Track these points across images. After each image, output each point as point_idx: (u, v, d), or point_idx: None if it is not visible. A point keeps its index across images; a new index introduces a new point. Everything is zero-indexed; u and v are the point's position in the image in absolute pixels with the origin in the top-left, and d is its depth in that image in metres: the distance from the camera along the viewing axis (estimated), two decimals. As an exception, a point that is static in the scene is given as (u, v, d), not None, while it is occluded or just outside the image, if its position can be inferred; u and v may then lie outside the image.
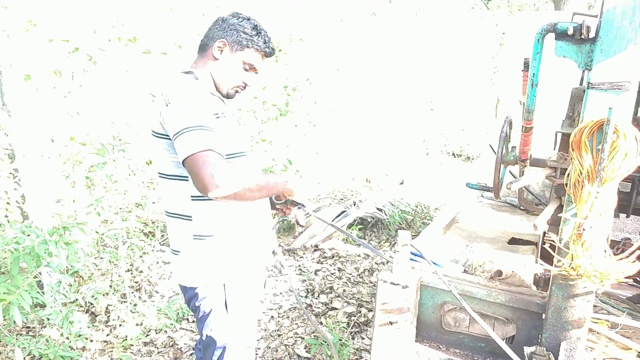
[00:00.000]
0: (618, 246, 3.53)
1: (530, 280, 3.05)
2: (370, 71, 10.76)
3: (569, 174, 2.40)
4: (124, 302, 4.44)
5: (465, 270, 3.19)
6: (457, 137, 10.63)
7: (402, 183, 8.78)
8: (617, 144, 2.21)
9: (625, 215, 3.36)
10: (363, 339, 4.48)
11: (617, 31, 2.21)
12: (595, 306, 3.55)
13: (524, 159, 2.82)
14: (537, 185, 4.92)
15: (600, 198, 2.28)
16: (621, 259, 2.34)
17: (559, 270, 2.44)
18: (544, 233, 3.32)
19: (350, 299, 5.37)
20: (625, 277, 3.99)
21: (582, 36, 2.26)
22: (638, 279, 3.87)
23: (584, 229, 2.32)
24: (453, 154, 10.36)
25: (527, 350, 2.62)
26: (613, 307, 3.54)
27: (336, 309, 5.17)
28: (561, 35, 2.33)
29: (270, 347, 4.24)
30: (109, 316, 4.34)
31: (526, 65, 3.26)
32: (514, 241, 3.79)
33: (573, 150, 2.34)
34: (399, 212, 7.77)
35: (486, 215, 4.29)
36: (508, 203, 4.48)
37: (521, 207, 4.33)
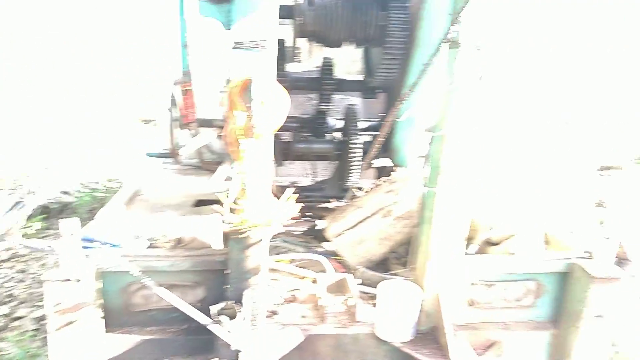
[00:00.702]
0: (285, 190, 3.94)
1: (219, 239, 3.11)
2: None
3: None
4: None
5: (150, 244, 3.04)
6: (142, 104, 10.22)
7: (88, 160, 8.00)
8: (264, 99, 2.34)
9: (289, 161, 3.74)
10: (55, 342, 3.95)
11: (248, -10, 2.29)
12: (276, 247, 3.92)
13: (188, 122, 2.79)
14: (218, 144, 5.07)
15: (256, 152, 2.40)
16: (282, 203, 2.55)
17: (231, 226, 2.52)
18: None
19: (39, 301, 4.67)
20: (301, 214, 4.54)
21: (218, -5, 2.27)
22: (310, 214, 4.42)
23: (247, 184, 2.43)
24: (145, 121, 9.95)
25: (214, 308, 2.67)
26: (292, 243, 3.97)
27: (22, 317, 4.44)
28: (201, -5, 2.30)
29: None
30: None
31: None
32: (200, 203, 3.82)
33: (228, 109, 2.39)
34: (89, 192, 7.09)
35: (172, 182, 4.20)
36: (193, 165, 4.48)
37: (205, 168, 4.39)
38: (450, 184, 2.72)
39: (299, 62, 4.44)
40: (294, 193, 3.77)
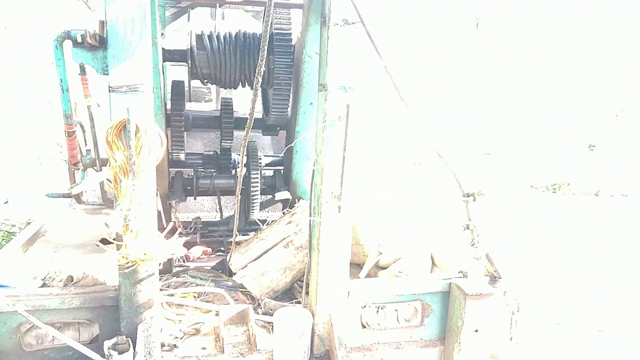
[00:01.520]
0: (191, 225, 4.04)
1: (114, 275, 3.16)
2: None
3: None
4: None
5: (44, 284, 3.06)
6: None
7: (7, 202, 7.77)
8: (141, 140, 2.48)
9: (193, 197, 3.85)
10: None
11: (123, 39, 2.46)
12: (185, 282, 3.98)
13: (75, 162, 2.87)
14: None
15: (137, 190, 2.52)
16: (166, 239, 2.66)
17: (117, 261, 2.60)
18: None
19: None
20: (213, 249, 4.62)
21: (92, 43, 2.42)
22: (222, 249, 4.53)
23: (129, 220, 2.53)
24: (65, 161, 9.78)
25: (107, 344, 2.71)
26: (201, 278, 4.04)
27: None
28: (75, 42, 2.44)
29: None
30: None
31: (83, 69, 3.31)
32: (105, 241, 3.85)
33: (107, 149, 2.51)
34: (3, 234, 6.89)
35: (78, 222, 4.21)
36: (99, 204, 4.50)
37: (109, 206, 4.43)
38: (332, 213, 2.92)
39: (209, 101, 4.62)
40: (198, 228, 3.89)
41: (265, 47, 2.16)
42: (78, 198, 3.53)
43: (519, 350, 3.38)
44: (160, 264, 2.74)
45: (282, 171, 4.15)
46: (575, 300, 6.71)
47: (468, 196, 2.97)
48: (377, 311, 3.22)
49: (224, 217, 4.34)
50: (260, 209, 3.97)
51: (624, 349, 5.54)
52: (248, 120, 2.53)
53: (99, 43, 2.43)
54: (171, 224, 2.67)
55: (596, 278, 7.51)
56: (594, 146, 14.30)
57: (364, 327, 3.22)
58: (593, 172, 13.13)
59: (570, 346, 5.54)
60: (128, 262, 2.58)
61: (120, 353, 2.72)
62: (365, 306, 3.19)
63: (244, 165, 4.14)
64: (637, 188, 12.72)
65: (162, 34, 3.92)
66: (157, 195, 2.73)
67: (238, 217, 4.01)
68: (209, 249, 4.61)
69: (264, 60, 2.23)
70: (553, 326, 5.97)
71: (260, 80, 2.29)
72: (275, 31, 3.35)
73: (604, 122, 14.86)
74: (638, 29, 14.86)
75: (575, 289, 7.09)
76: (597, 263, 8.12)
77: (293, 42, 3.49)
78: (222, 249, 4.53)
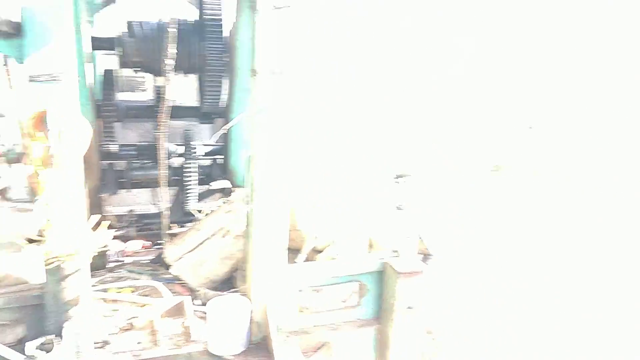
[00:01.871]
0: (124, 219, 3.94)
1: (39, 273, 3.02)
2: None
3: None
4: None
5: (-36, 285, 2.90)
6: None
7: None
8: (62, 130, 2.38)
9: (126, 190, 3.74)
10: None
11: (41, 26, 2.35)
12: (121, 277, 3.88)
13: (-7, 156, 2.74)
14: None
15: (58, 183, 2.42)
16: (92, 232, 2.58)
17: (42, 258, 2.51)
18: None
19: None
20: (153, 242, 4.52)
21: (7, 31, 2.30)
22: (160, 241, 4.43)
23: (50, 214, 2.44)
24: None
25: (31, 345, 2.60)
26: (138, 273, 3.94)
27: None
28: (-11, 30, 2.32)
29: None
30: None
31: (6, 60, 3.16)
32: (32, 240, 3.69)
33: (27, 141, 2.41)
34: None
35: (4, 220, 4.00)
36: (26, 201, 4.28)
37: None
38: (265, 200, 2.92)
39: (145, 90, 4.49)
40: (132, 221, 3.81)
41: (170, 30, 2.11)
42: (2, 194, 3.37)
43: (453, 325, 3.54)
44: (90, 259, 2.66)
45: (220, 160, 4.10)
46: (518, 275, 6.96)
47: (399, 177, 3.06)
48: (314, 294, 3.26)
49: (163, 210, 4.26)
50: (199, 200, 3.92)
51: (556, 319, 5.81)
52: (160, 105, 2.48)
53: (15, 30, 2.31)
54: (97, 217, 2.59)
55: (534, 253, 7.86)
56: (531, 127, 14.88)
57: (301, 311, 3.25)
58: (532, 152, 13.70)
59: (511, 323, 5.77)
60: (51, 258, 2.49)
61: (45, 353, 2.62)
62: (302, 290, 3.22)
63: (181, 155, 4.08)
64: (575, 166, 13.35)
65: (90, 21, 3.76)
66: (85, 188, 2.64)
67: (175, 208, 3.96)
68: (149, 243, 4.52)
69: (170, 43, 2.18)
70: (495, 303, 6.19)
71: (171, 64, 2.25)
72: (206, 17, 3.29)
73: (542, 103, 15.45)
74: (586, 13, 15.34)
75: (516, 264, 7.38)
76: (536, 239, 8.51)
77: (229, 28, 3.43)
78: (162, 241, 4.44)
